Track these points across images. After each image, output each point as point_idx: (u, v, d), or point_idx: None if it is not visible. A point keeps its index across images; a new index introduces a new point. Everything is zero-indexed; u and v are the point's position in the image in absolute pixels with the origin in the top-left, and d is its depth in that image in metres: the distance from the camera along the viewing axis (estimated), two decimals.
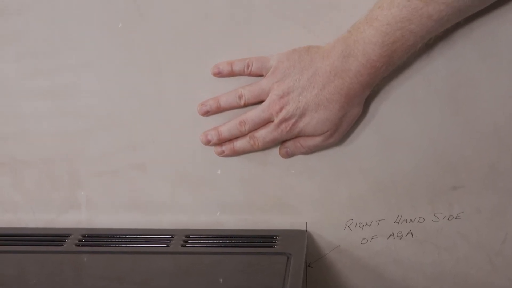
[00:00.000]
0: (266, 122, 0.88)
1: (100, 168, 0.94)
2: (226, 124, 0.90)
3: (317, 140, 0.88)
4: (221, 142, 0.91)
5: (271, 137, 0.88)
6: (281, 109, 0.86)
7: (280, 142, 0.90)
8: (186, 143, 0.93)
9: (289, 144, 0.90)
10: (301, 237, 0.92)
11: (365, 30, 0.82)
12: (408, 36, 0.81)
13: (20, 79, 0.93)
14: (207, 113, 0.90)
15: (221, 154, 0.91)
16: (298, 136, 0.89)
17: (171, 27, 0.90)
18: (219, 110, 0.90)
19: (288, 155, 0.91)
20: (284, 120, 0.87)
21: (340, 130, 0.88)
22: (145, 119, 0.93)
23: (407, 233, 0.94)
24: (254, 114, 0.88)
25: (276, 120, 0.87)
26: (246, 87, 0.89)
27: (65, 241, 0.91)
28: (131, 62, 0.92)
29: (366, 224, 0.94)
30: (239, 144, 0.90)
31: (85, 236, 0.92)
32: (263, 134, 0.88)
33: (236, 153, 0.91)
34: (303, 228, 0.94)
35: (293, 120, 0.87)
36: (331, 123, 0.86)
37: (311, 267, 0.96)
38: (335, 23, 0.89)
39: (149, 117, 0.93)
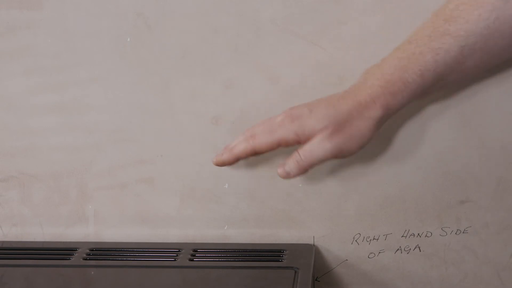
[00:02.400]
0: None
1: (108, 182, 0.95)
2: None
3: (316, 140, 0.81)
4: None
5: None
6: None
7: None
8: (193, 157, 0.93)
9: (289, 161, 0.85)
10: (309, 251, 0.92)
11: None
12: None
13: (29, 94, 0.93)
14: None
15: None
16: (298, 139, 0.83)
17: (180, 42, 0.91)
18: None
19: (286, 173, 0.83)
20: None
21: (341, 136, 0.81)
22: (153, 133, 0.93)
23: (415, 247, 0.94)
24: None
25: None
26: None
27: (73, 255, 0.91)
28: (139, 76, 0.92)
29: (374, 238, 0.94)
30: None
31: (92, 250, 0.92)
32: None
33: None
34: (311, 242, 0.94)
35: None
36: (333, 118, 0.81)
37: (319, 281, 0.95)
38: (342, 38, 0.89)
39: (157, 131, 0.93)
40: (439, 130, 0.91)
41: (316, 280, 0.95)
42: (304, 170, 0.81)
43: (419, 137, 0.91)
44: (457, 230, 0.93)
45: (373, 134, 0.82)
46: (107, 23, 0.91)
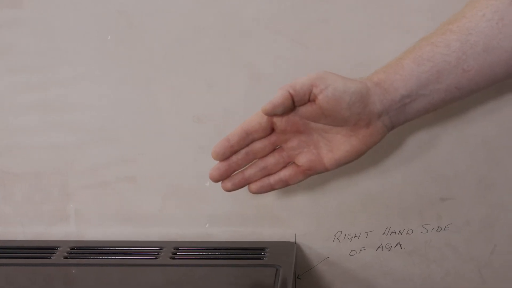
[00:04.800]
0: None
1: (90, 181, 0.95)
2: None
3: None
4: None
5: None
6: None
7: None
8: (176, 156, 0.93)
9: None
10: (290, 249, 0.92)
11: None
12: None
13: (11, 92, 0.93)
14: None
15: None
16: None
17: (162, 41, 0.91)
18: None
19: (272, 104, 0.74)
20: None
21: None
22: (135, 132, 0.93)
23: (396, 245, 0.94)
24: None
25: None
26: None
27: (54, 253, 0.91)
28: (121, 75, 0.92)
29: (355, 236, 0.94)
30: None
31: (73, 249, 0.92)
32: None
33: None
34: (292, 240, 0.94)
35: None
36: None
37: (300, 279, 0.96)
38: (325, 37, 0.89)
39: (139, 130, 0.93)
40: (421, 127, 0.91)
41: (297, 277, 0.95)
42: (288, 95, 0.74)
43: (401, 134, 0.92)
44: (438, 227, 0.94)
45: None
46: (89, 22, 0.91)
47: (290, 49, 0.90)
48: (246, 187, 0.91)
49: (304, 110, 0.75)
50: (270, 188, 0.80)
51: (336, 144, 0.77)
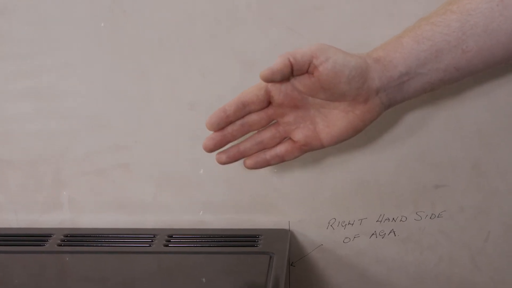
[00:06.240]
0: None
1: (84, 169, 0.94)
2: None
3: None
4: None
5: None
6: None
7: None
8: (169, 143, 0.93)
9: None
10: (284, 236, 0.92)
11: None
12: None
13: (4, 80, 0.93)
14: None
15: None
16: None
17: (156, 28, 0.90)
18: None
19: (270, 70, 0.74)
20: None
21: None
22: (128, 119, 0.93)
23: (390, 232, 0.95)
24: None
25: None
26: None
27: (47, 241, 0.91)
28: (115, 62, 0.92)
29: (349, 223, 0.94)
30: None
31: (67, 236, 0.92)
32: None
33: None
34: (286, 227, 0.94)
35: None
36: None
37: (294, 266, 0.96)
38: (319, 23, 0.89)
39: (132, 117, 0.93)
40: (414, 114, 0.91)
41: (291, 265, 0.95)
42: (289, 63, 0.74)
43: (394, 121, 0.92)
44: (432, 214, 0.94)
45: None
46: (83, 9, 0.90)
47: (283, 36, 0.90)
48: (242, 173, 0.91)
49: (303, 82, 0.75)
50: (266, 164, 0.80)
51: (333, 120, 0.77)
